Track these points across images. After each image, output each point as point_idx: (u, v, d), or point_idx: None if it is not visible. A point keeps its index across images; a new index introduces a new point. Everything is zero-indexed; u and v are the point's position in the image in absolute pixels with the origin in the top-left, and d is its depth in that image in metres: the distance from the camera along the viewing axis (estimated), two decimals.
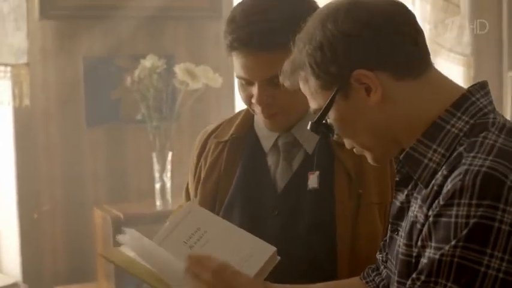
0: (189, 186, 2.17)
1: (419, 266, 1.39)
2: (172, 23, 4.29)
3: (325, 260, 1.93)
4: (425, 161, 1.47)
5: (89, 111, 4.15)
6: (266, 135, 2.04)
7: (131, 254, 1.75)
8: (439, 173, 1.43)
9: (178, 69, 3.90)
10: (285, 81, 1.60)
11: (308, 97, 1.57)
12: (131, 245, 1.75)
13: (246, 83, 1.91)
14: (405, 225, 1.52)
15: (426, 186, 1.46)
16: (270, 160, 2.02)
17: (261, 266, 1.78)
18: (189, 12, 4.31)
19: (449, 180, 1.38)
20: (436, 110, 1.48)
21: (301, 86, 1.57)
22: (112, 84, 4.16)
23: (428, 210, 1.41)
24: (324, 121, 1.54)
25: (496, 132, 1.43)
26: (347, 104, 1.50)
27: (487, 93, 1.51)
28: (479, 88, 1.50)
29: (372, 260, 1.84)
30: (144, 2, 4.12)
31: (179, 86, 3.95)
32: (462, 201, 1.34)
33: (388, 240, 1.65)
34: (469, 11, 4.76)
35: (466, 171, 1.36)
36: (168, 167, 4.01)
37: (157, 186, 4.03)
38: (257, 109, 1.94)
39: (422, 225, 1.42)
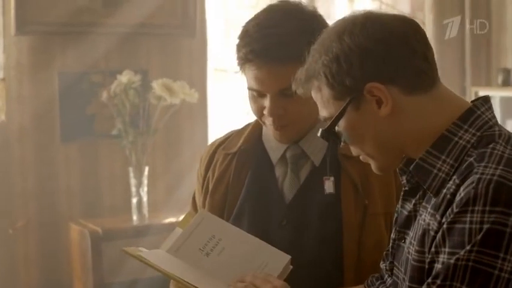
0: (196, 196, 2.20)
1: (434, 271, 1.45)
2: (146, 39, 4.32)
3: (332, 269, 1.97)
4: (435, 171, 1.53)
5: (63, 126, 4.14)
6: (274, 147, 2.08)
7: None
8: (451, 182, 1.49)
9: (156, 84, 3.93)
10: (298, 88, 1.64)
11: (319, 105, 1.62)
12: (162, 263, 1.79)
13: (258, 94, 1.96)
14: (415, 232, 1.58)
15: (436, 195, 1.52)
16: (278, 172, 2.07)
17: (277, 274, 1.82)
18: (163, 29, 4.33)
19: (461, 188, 1.44)
20: (443, 123, 1.54)
21: (313, 94, 1.62)
22: (87, 99, 4.17)
23: (441, 217, 1.46)
24: (333, 129, 1.59)
25: (503, 144, 1.50)
26: (358, 114, 1.56)
27: (490, 106, 1.58)
28: (483, 102, 1.57)
29: (378, 269, 1.89)
30: (119, 19, 4.14)
31: (155, 101, 3.99)
32: (476, 208, 1.41)
33: (394, 249, 1.70)
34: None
35: (479, 179, 1.42)
36: (145, 181, 4.04)
37: (134, 201, 4.05)
38: (268, 121, 1.98)
39: (436, 232, 1.47)
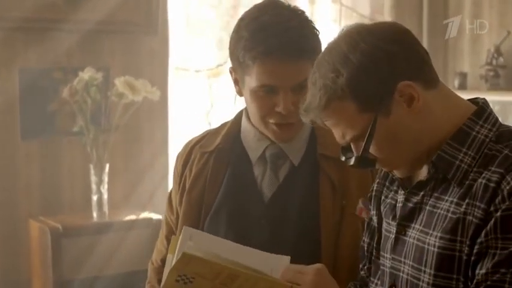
0: (173, 195, 2.20)
1: (491, 260, 1.49)
2: (109, 37, 4.30)
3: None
4: (457, 162, 1.58)
5: (24, 123, 4.11)
6: (253, 146, 2.10)
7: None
8: (489, 172, 1.53)
9: (118, 82, 3.93)
10: (316, 116, 1.63)
11: (342, 127, 1.61)
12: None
13: (269, 91, 1.95)
14: (425, 222, 1.61)
15: (459, 185, 1.57)
16: (257, 170, 2.09)
17: None
18: (125, 27, 4.32)
19: (508, 177, 1.50)
20: (457, 118, 1.61)
21: (335, 118, 1.61)
22: (48, 96, 4.14)
23: (488, 206, 1.50)
24: (369, 147, 1.60)
25: None
26: (389, 121, 1.58)
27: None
28: (487, 103, 1.64)
29: (354, 269, 1.93)
30: (81, 15, 4.12)
31: (116, 98, 3.98)
32: None
33: (392, 244, 1.70)
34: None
35: None
36: (105, 179, 4.03)
37: (95, 198, 4.04)
38: (275, 119, 1.99)
39: (481, 220, 1.51)
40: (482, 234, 1.50)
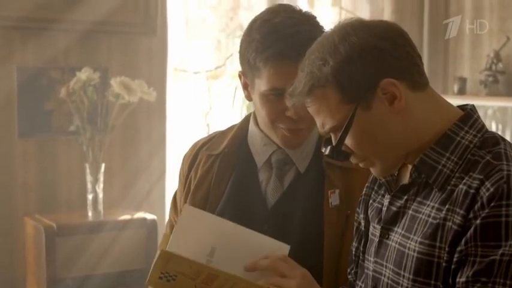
0: (178, 196, 2.20)
1: (471, 268, 1.48)
2: (107, 37, 4.32)
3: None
4: (439, 167, 1.58)
5: (21, 121, 4.14)
6: (259, 151, 2.08)
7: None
8: (467, 178, 1.53)
9: (114, 82, 3.95)
10: (303, 99, 1.63)
11: (323, 116, 1.62)
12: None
13: (282, 95, 1.90)
14: (407, 226, 1.61)
15: (441, 190, 1.56)
16: (262, 176, 2.07)
17: None
18: (124, 28, 4.34)
19: (487, 184, 1.49)
20: (444, 122, 1.61)
21: (316, 105, 1.62)
22: (45, 95, 4.17)
23: (467, 212, 1.50)
24: (345, 138, 1.59)
25: (509, 147, 1.58)
26: (369, 115, 1.58)
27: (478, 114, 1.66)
28: (475, 109, 1.64)
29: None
30: (79, 15, 4.15)
31: (113, 99, 4.00)
32: (511, 202, 1.47)
33: (376, 247, 1.71)
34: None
35: (508, 176, 1.49)
36: (101, 178, 4.05)
37: (90, 197, 4.06)
38: (285, 124, 1.97)
39: (460, 226, 1.50)
40: (462, 242, 1.49)
